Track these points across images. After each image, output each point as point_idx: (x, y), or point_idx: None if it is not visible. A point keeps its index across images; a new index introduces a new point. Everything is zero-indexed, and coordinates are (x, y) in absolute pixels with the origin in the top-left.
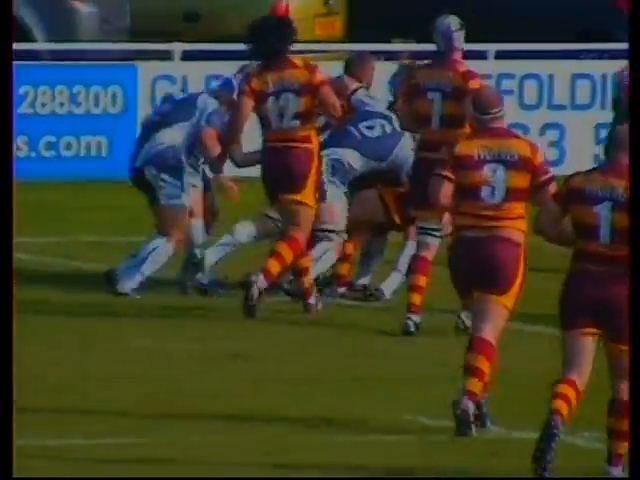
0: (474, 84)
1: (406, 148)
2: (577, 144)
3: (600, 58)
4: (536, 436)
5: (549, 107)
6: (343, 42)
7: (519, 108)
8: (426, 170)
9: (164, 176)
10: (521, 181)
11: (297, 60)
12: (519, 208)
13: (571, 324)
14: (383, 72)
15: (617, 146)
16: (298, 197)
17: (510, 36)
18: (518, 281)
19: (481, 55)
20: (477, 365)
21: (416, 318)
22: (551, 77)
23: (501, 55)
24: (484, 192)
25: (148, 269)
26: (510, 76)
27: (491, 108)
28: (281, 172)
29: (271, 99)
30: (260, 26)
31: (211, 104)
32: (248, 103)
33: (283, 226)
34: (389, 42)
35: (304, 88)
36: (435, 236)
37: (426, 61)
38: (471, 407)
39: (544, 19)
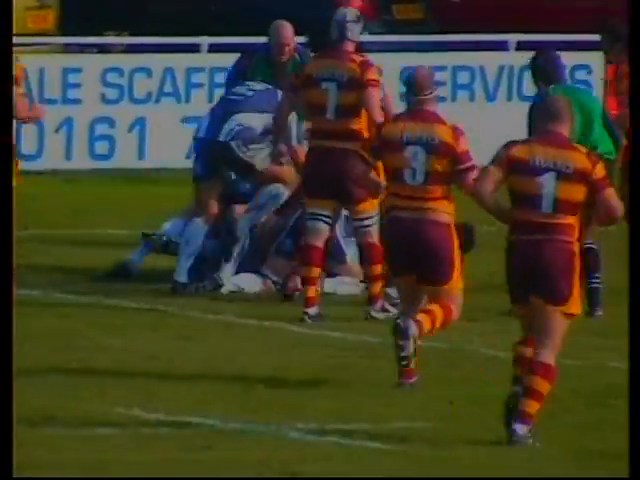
0: (371, 74)
1: None
2: None
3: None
4: (247, 427)
5: None
6: (56, 35)
7: None
8: (320, 158)
9: (253, 146)
10: (441, 165)
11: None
12: (441, 190)
13: (519, 298)
14: (96, 65)
15: (553, 117)
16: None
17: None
18: (457, 262)
19: None
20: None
21: (312, 311)
22: None
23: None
24: (406, 174)
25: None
26: None
27: (423, 90)
28: None
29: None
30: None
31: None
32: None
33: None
34: (102, 35)
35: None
36: (326, 222)
37: (317, 53)
38: None
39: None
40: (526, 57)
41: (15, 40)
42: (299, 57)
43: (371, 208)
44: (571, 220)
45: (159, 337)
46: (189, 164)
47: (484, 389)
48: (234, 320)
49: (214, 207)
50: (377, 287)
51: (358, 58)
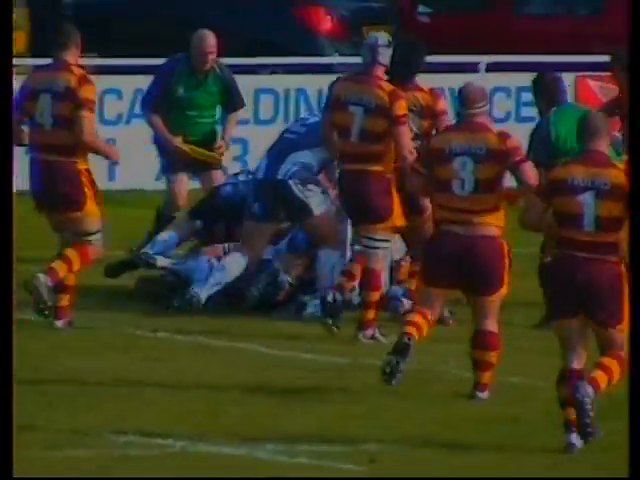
0: (401, 109)
1: None
2: (260, 158)
3: (275, 72)
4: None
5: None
6: (25, 57)
7: None
8: (345, 181)
9: (310, 186)
10: (491, 173)
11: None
12: (491, 200)
13: (561, 312)
14: None
15: (591, 135)
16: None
17: None
18: (505, 272)
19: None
20: (484, 359)
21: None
22: None
23: None
24: (454, 185)
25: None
26: None
27: (475, 103)
28: None
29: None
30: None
31: None
32: None
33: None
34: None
35: None
36: (379, 247)
37: (349, 74)
38: None
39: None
40: (497, 78)
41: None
42: (220, 71)
43: (385, 233)
44: (614, 237)
45: (129, 358)
46: (159, 186)
47: (455, 411)
48: (203, 341)
49: (262, 249)
50: (371, 314)
51: (388, 87)
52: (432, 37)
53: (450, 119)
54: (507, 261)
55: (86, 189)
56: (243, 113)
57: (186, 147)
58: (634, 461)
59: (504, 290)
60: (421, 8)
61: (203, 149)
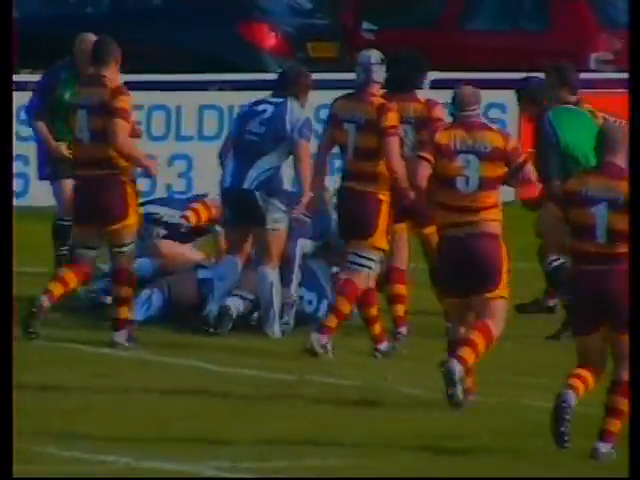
0: (389, 120)
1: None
2: (204, 175)
3: (222, 89)
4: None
5: (177, 138)
6: None
7: (147, 139)
8: (349, 199)
9: (273, 200)
10: (494, 171)
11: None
12: (494, 197)
13: (583, 329)
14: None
15: (608, 148)
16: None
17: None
18: (505, 270)
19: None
20: (473, 338)
21: (383, 346)
22: (178, 108)
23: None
24: (459, 182)
25: (277, 303)
26: (139, 107)
27: (468, 106)
28: None
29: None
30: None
31: (301, 114)
32: None
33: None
34: (18, 73)
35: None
36: (364, 265)
37: (346, 93)
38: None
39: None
40: (442, 95)
41: None
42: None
43: (376, 251)
44: (625, 248)
45: (74, 374)
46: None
47: (401, 425)
48: (148, 357)
49: (248, 246)
50: (378, 327)
51: (377, 101)
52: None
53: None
54: (505, 259)
55: (127, 202)
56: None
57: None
58: (634, 461)
59: (505, 291)
60: (365, 25)
61: None
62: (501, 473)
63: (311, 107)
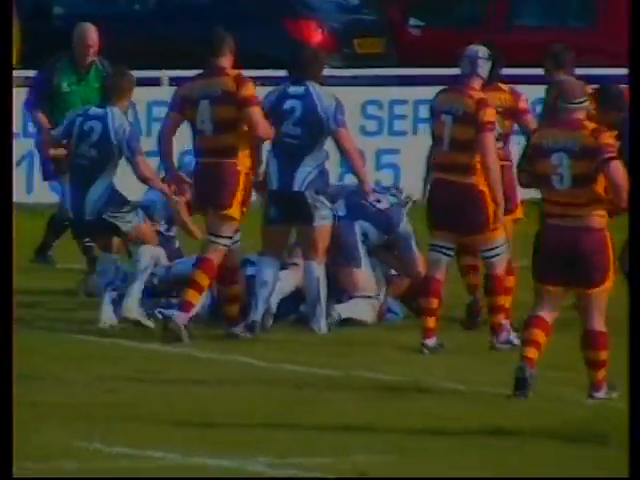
0: (487, 116)
1: (409, 223)
2: None
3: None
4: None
5: None
6: (16, 69)
7: None
8: (442, 191)
9: (321, 198)
10: (586, 169)
11: None
12: (590, 194)
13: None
14: None
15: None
16: None
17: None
18: (611, 264)
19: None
20: (596, 358)
21: (431, 342)
22: None
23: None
24: (554, 180)
25: (323, 298)
26: None
27: (575, 98)
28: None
29: None
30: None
31: (329, 99)
32: None
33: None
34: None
35: None
36: (448, 255)
37: (449, 85)
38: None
39: None
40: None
41: None
42: (101, 66)
43: (495, 237)
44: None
45: (120, 370)
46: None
47: (443, 423)
48: (195, 353)
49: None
50: (500, 318)
51: (477, 95)
52: (424, 50)
53: (533, 118)
54: (612, 253)
55: (234, 193)
56: None
57: None
58: (634, 461)
59: (609, 284)
60: (412, 21)
61: None
62: (547, 470)
63: (357, 104)
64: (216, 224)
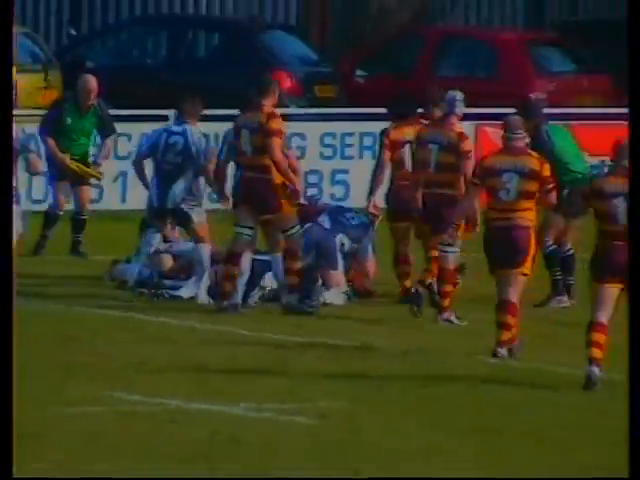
0: (466, 145)
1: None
2: None
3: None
4: (203, 406)
5: None
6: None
7: None
8: (430, 201)
9: (192, 203)
10: (529, 187)
11: None
12: (527, 205)
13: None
14: None
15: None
16: None
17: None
18: (532, 253)
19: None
20: (506, 321)
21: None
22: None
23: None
24: (502, 193)
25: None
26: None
27: (515, 130)
28: None
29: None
30: None
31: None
32: None
33: None
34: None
35: None
36: (452, 252)
37: (430, 122)
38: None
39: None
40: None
41: (29, 112)
42: (99, 106)
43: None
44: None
45: (136, 338)
46: None
47: (389, 377)
48: (195, 325)
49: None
50: (446, 302)
51: (458, 128)
52: (367, 94)
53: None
54: (533, 245)
55: (279, 196)
56: None
57: (74, 165)
58: (634, 461)
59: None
60: (358, 72)
61: (86, 167)
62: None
63: (316, 135)
64: (280, 223)
